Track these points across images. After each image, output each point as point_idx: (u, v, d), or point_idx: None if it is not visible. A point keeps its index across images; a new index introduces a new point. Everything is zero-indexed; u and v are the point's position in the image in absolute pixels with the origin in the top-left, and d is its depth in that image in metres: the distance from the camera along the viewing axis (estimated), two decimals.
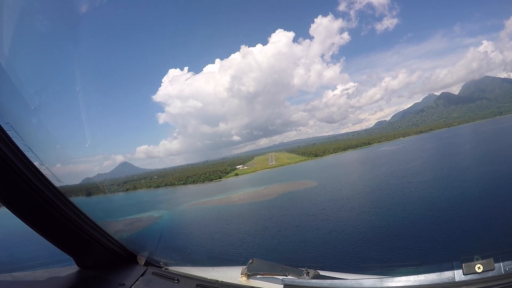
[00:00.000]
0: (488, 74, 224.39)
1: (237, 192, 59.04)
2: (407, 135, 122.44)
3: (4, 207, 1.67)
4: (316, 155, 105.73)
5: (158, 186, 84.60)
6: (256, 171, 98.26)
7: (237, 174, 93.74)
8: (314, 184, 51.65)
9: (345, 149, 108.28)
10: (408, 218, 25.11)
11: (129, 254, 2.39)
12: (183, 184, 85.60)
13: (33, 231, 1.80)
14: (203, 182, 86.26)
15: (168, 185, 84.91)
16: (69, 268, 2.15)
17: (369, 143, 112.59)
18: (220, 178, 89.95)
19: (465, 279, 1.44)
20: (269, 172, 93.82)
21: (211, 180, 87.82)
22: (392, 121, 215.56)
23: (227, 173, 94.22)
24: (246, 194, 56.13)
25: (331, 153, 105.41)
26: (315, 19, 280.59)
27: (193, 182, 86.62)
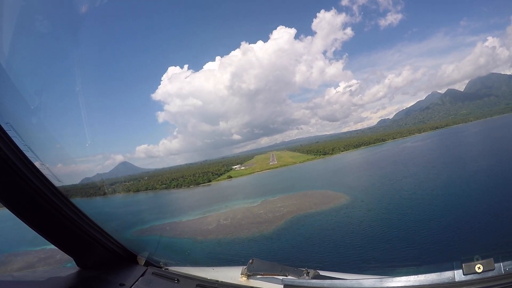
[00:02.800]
0: (494, 71, 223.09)
1: (219, 210, 40.57)
2: (423, 131, 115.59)
3: (4, 208, 1.67)
4: (324, 153, 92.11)
5: (138, 191, 71.87)
6: (254, 172, 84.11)
7: (230, 177, 79.00)
8: (346, 200, 33.24)
9: (356, 146, 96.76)
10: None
11: (129, 254, 2.39)
12: (166, 188, 72.46)
13: (34, 231, 1.81)
14: (189, 186, 72.61)
15: (149, 189, 72.67)
16: (69, 268, 2.15)
17: (383, 140, 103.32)
18: (210, 181, 75.41)
19: (465, 279, 1.44)
20: (270, 174, 78.44)
21: (198, 184, 73.46)
22: (396, 119, 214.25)
23: (219, 175, 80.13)
24: (232, 214, 37.40)
25: (342, 151, 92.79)
26: (317, 14, 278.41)
27: (177, 186, 72.96)
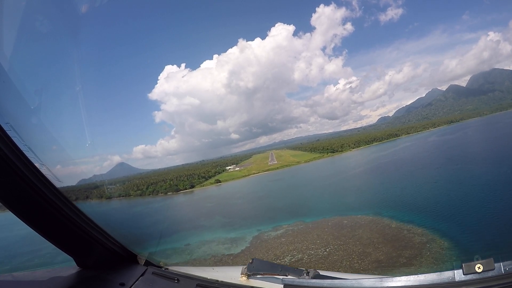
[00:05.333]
0: (497, 66, 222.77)
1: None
2: (438, 126, 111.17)
3: (7, 210, 1.67)
4: (333, 151, 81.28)
5: (111, 198, 64.94)
6: (249, 175, 71.19)
7: (218, 181, 66.46)
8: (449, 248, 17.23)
9: (368, 142, 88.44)
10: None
11: (129, 254, 2.39)
12: (140, 195, 61.12)
13: (34, 231, 1.81)
14: (166, 193, 61.11)
15: (123, 196, 61.00)
16: (70, 268, 2.15)
17: (396, 135, 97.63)
18: (193, 187, 63.35)
19: (465, 279, 1.44)
20: (268, 177, 63.64)
21: (178, 190, 61.87)
22: (397, 116, 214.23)
23: (206, 179, 68.32)
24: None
25: (353, 148, 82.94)
26: (316, 8, 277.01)
27: (153, 193, 61.47)
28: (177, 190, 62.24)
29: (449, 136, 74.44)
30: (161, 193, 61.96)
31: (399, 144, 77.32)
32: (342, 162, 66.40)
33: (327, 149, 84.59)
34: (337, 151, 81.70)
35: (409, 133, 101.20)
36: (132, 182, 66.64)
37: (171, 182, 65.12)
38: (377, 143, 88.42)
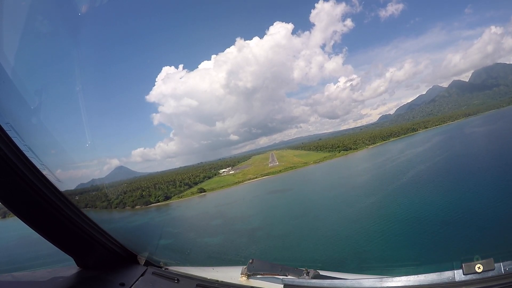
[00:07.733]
0: (499, 61, 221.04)
1: None
2: (456, 119, 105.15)
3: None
4: (346, 149, 70.87)
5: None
6: (244, 180, 58.64)
7: (202, 191, 54.25)
8: None
9: (385, 138, 79.48)
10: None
11: (129, 254, 2.39)
12: (106, 207, 46.45)
13: (34, 231, 1.81)
14: (133, 207, 49.78)
15: (89, 207, 44.49)
16: (70, 268, 2.15)
17: (414, 129, 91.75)
18: (168, 199, 51.86)
19: (465, 279, 1.44)
20: (268, 184, 50.24)
21: (148, 203, 50.40)
22: (400, 114, 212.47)
23: (190, 186, 56.76)
24: None
25: (369, 145, 73.39)
26: (316, 4, 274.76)
27: (119, 205, 50.02)
28: (147, 203, 49.71)
29: (492, 126, 60.63)
30: (129, 206, 49.91)
31: (431, 138, 62.25)
32: (368, 162, 49.89)
33: (338, 146, 73.29)
34: (350, 149, 70.98)
35: (427, 127, 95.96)
36: (116, 188, 58.97)
37: (142, 192, 51.96)
38: (395, 138, 79.13)
